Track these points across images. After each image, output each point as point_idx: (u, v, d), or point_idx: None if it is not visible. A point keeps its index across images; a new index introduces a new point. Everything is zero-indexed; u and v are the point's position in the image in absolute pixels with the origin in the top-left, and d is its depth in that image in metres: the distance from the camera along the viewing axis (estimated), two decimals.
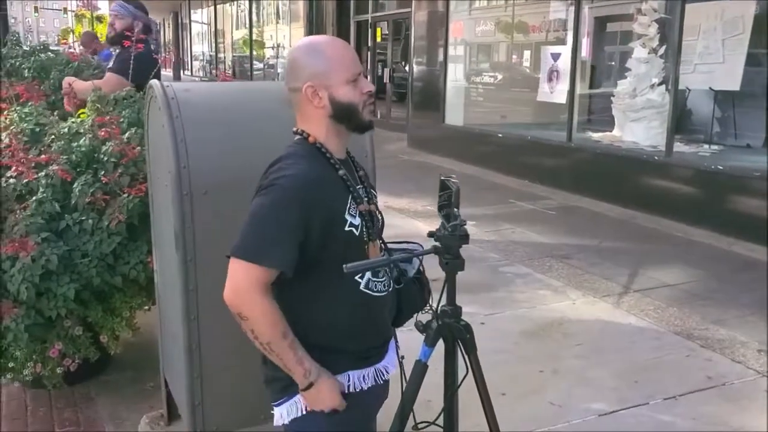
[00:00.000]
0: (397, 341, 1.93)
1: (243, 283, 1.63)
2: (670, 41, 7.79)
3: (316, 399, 1.72)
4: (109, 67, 4.13)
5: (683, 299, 4.92)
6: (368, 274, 1.74)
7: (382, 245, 1.82)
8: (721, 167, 7.06)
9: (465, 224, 1.67)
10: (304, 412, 1.73)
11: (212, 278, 2.41)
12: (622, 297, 4.95)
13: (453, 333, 1.84)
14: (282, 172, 1.67)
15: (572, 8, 8.98)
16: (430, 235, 1.78)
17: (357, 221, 1.72)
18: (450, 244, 1.70)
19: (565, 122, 8.97)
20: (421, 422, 1.82)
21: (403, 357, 1.91)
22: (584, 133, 9.31)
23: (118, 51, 4.16)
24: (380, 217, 1.84)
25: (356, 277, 1.73)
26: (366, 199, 1.79)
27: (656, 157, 7.68)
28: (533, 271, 5.51)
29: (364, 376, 1.78)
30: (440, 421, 1.91)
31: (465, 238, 1.68)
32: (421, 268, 1.90)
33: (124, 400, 3.54)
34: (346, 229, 1.70)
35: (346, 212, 1.71)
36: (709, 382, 3.72)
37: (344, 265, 1.59)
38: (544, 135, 9.58)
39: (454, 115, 11.48)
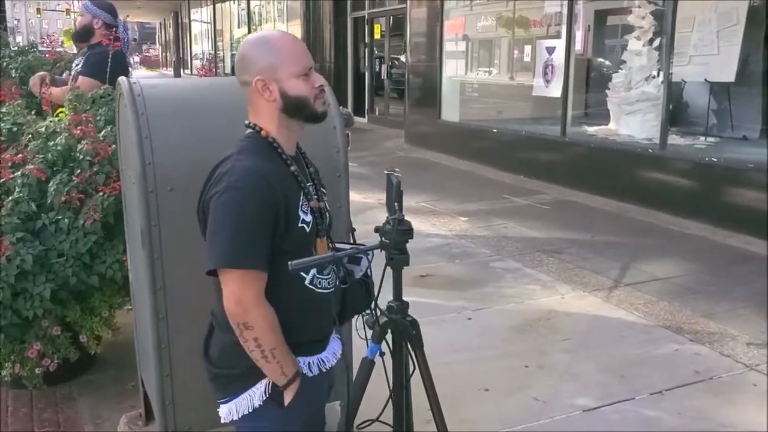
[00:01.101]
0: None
1: (246, 293, 1.63)
2: (664, 33, 7.73)
3: (295, 388, 1.72)
4: (80, 71, 4.10)
5: (674, 293, 4.87)
6: (314, 271, 1.73)
7: (330, 243, 1.80)
8: (715, 159, 7.01)
9: (404, 217, 1.65)
10: (254, 408, 1.71)
11: (181, 277, 2.40)
12: (612, 291, 4.90)
13: (399, 329, 1.80)
14: (235, 173, 1.65)
15: (566, 1, 8.91)
16: (377, 230, 1.75)
17: (309, 218, 1.72)
18: (395, 240, 1.67)
19: (560, 117, 8.92)
20: (365, 421, 1.79)
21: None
22: (579, 128, 9.26)
23: (87, 53, 4.13)
24: (329, 215, 1.83)
25: (302, 273, 1.71)
26: (316, 196, 1.78)
27: (651, 150, 7.63)
28: (523, 266, 5.47)
29: (309, 364, 1.77)
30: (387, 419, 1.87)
31: (409, 232, 1.66)
32: (369, 271, 1.88)
33: (106, 399, 3.52)
34: (299, 225, 1.69)
35: (299, 209, 1.70)
36: (697, 376, 3.68)
37: (290, 262, 1.58)
38: (538, 130, 9.54)
39: (450, 111, 11.45)
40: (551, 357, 3.92)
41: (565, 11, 8.97)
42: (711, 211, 6.58)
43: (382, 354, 1.91)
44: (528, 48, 10.42)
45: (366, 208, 6.70)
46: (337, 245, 1.87)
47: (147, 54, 43.31)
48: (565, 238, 6.26)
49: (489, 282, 5.16)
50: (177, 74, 30.01)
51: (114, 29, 4.03)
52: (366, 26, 15.44)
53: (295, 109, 1.73)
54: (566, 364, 3.82)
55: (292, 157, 1.77)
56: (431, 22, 11.73)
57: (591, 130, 9.23)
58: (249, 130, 1.77)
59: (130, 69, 4.06)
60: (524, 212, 7.34)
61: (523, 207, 7.61)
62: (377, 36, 15.28)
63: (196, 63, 30.29)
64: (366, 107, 15.72)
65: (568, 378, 3.67)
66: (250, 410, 1.73)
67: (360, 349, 2.07)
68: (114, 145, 3.17)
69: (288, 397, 1.71)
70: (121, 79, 2.55)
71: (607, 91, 9.07)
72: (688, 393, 3.50)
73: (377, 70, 15.34)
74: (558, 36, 9.24)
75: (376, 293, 1.86)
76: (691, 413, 3.31)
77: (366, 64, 15.71)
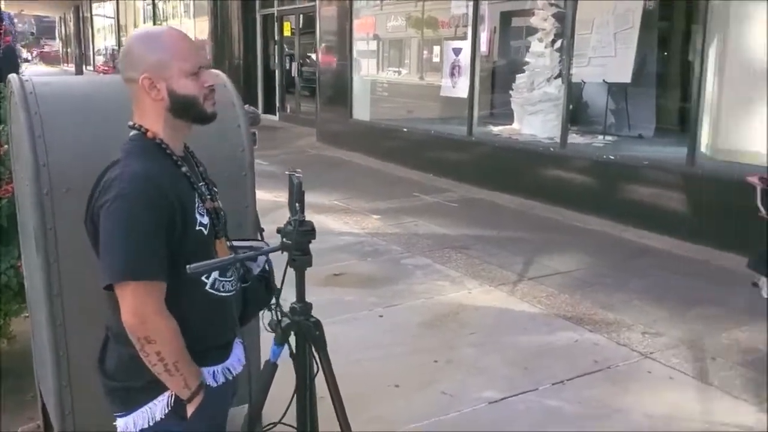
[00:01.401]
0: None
1: (144, 305, 1.56)
2: (565, 35, 8.02)
3: (198, 400, 1.68)
4: None
5: (575, 286, 5.07)
6: (215, 274, 1.68)
7: (228, 243, 1.77)
8: (613, 157, 7.33)
9: (305, 218, 1.65)
10: (154, 422, 1.66)
11: (78, 282, 2.31)
12: (517, 285, 5.06)
13: (302, 331, 1.80)
14: (123, 180, 1.58)
15: (472, 3, 9.11)
16: (278, 231, 1.74)
17: (206, 220, 1.67)
18: (296, 240, 1.66)
19: (467, 117, 9.10)
20: (268, 424, 1.78)
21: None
22: (485, 127, 9.49)
23: None
24: (223, 214, 1.79)
25: (203, 278, 1.67)
26: (209, 196, 1.74)
27: (552, 149, 7.90)
28: (433, 263, 5.57)
29: (214, 373, 1.73)
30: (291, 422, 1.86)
31: (311, 233, 1.66)
32: (267, 266, 1.86)
33: (2, 412, 3.35)
34: (197, 228, 1.64)
35: (195, 211, 1.65)
36: (596, 365, 3.84)
37: (187, 266, 1.54)
38: (446, 129, 9.71)
39: (361, 110, 11.51)
40: (459, 351, 4.01)
41: (471, 12, 9.16)
42: (610, 206, 6.88)
43: (292, 355, 1.90)
44: (437, 48, 10.59)
45: (277, 207, 6.61)
46: (235, 243, 1.83)
47: (43, 50, 41.16)
48: (473, 235, 6.41)
49: (400, 279, 5.23)
50: (79, 71, 28.83)
51: (1, 22, 3.84)
52: (276, 23, 15.30)
53: (183, 109, 1.67)
54: (473, 358, 3.92)
55: (181, 158, 1.71)
56: (341, 20, 11.74)
57: (496, 129, 9.47)
58: (133, 132, 1.69)
59: (22, 64, 3.88)
60: (434, 210, 7.47)
61: (433, 205, 7.74)
62: (287, 33, 15.16)
63: (100, 59, 29.16)
64: (277, 105, 15.58)
65: (475, 371, 3.76)
66: (150, 424, 1.67)
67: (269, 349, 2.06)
68: (6, 145, 3.03)
69: (191, 409, 1.67)
70: (11, 76, 2.44)
71: (511, 91, 9.33)
72: (587, 382, 3.65)
73: (288, 67, 15.23)
74: (464, 37, 9.44)
75: (278, 292, 1.84)
76: (590, 402, 3.45)
77: (276, 61, 15.57)
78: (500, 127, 9.45)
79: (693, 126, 6.40)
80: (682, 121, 8.23)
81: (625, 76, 8.11)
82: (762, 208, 4.90)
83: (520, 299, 4.80)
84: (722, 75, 6.68)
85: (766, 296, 4.73)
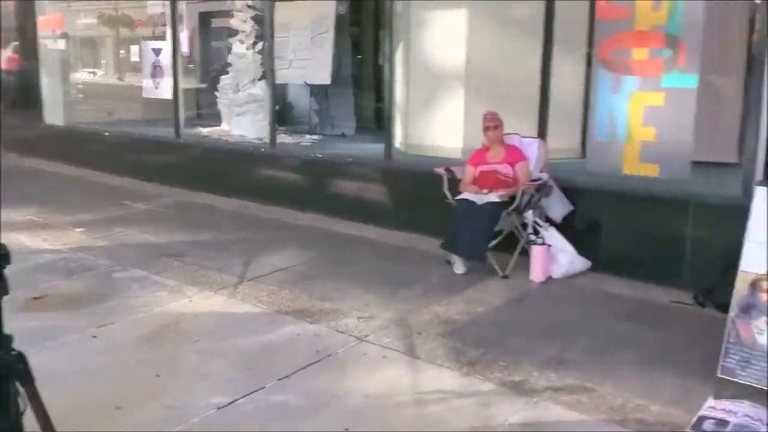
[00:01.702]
0: None
1: None
2: (265, 37, 8.19)
3: None
4: None
5: (294, 280, 5.24)
6: None
7: None
8: (320, 155, 7.69)
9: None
10: None
11: None
12: (238, 287, 5.09)
13: (3, 366, 1.66)
14: None
15: (169, 2, 8.88)
16: None
17: None
18: None
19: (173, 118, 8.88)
20: None
21: None
22: (193, 129, 9.35)
23: None
24: None
25: None
26: None
27: (262, 149, 8.06)
28: (149, 274, 5.36)
29: None
30: None
31: (5, 257, 1.53)
32: None
33: None
34: None
35: None
36: (318, 355, 4.00)
37: None
38: (152, 132, 9.37)
39: (54, 113, 10.60)
40: (182, 361, 3.92)
41: (168, 12, 8.93)
42: (321, 202, 7.21)
43: None
44: (136, 48, 10.16)
45: None
46: None
47: None
48: (189, 240, 6.29)
49: (114, 295, 4.95)
50: None
51: None
52: None
53: None
54: (197, 366, 3.87)
55: None
56: (23, 17, 10.69)
57: (205, 131, 9.39)
58: None
59: None
60: (145, 217, 7.18)
61: (143, 212, 7.43)
62: None
63: None
64: None
65: (199, 379, 3.71)
66: None
67: None
68: None
69: None
70: None
71: (216, 92, 9.30)
72: (311, 373, 3.80)
73: None
74: (164, 37, 9.17)
75: None
76: (313, 392, 3.59)
77: None
78: (209, 129, 9.38)
79: (387, 124, 6.98)
80: (379, 120, 8.91)
81: (324, 78, 8.52)
82: (448, 195, 5.55)
83: (241, 301, 4.83)
84: (408, 77, 7.39)
85: (457, 272, 5.39)
